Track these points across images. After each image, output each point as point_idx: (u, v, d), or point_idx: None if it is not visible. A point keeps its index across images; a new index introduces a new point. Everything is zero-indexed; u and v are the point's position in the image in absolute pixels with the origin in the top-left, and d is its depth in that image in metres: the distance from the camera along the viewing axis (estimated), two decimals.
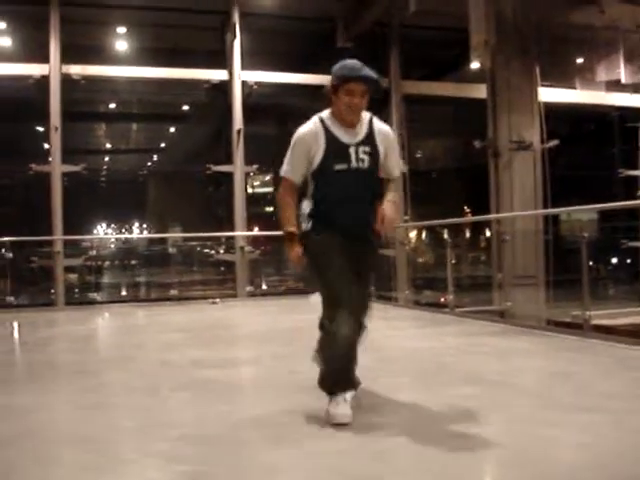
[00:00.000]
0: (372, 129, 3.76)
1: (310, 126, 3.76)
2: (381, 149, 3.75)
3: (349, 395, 3.65)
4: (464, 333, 7.37)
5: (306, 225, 3.76)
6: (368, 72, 3.68)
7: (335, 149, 3.68)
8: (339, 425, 3.48)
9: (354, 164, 3.67)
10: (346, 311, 3.58)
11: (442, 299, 11.10)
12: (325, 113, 3.80)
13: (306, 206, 3.79)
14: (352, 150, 3.67)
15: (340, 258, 3.64)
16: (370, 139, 3.73)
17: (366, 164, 3.69)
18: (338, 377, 3.67)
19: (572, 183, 15.39)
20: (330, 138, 3.69)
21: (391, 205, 3.69)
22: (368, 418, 3.63)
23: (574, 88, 15.36)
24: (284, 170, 3.80)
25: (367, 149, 3.70)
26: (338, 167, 3.66)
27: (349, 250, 3.67)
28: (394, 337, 6.96)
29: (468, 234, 17.66)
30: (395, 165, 3.91)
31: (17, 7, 13.41)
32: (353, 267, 3.68)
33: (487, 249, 15.49)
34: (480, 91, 13.74)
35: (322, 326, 3.72)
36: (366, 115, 3.79)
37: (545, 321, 9.79)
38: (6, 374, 5.61)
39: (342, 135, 3.70)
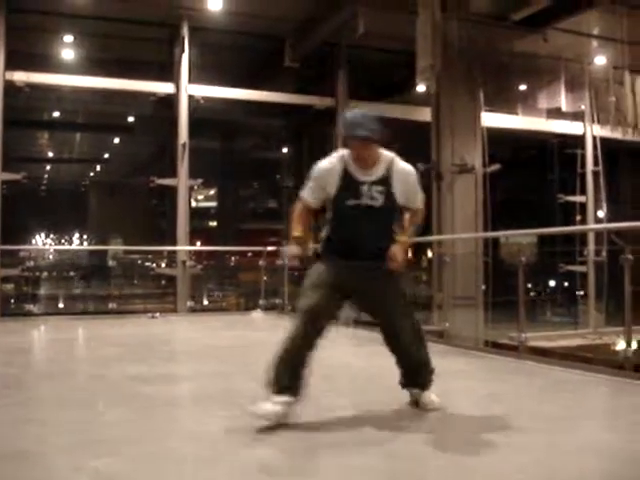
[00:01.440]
0: (391, 169, 4.01)
1: (330, 160, 4.08)
2: (398, 188, 4.00)
3: (281, 398, 3.82)
4: None
5: (320, 247, 4.14)
6: (363, 129, 3.91)
7: (348, 185, 3.96)
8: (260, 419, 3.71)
9: (365, 201, 3.94)
10: (304, 317, 3.91)
11: None
12: (347, 150, 4.05)
13: (324, 230, 4.15)
14: (365, 188, 3.95)
15: (329, 289, 3.96)
16: (386, 179, 3.99)
17: (379, 202, 3.96)
18: (274, 375, 3.86)
19: (512, 207, 15.70)
20: (346, 174, 3.98)
21: (399, 247, 4.05)
22: (316, 434, 3.64)
23: (516, 114, 15.70)
24: (303, 191, 4.14)
25: (381, 188, 3.97)
26: (350, 202, 3.95)
27: (351, 283, 4.03)
28: (331, 355, 6.98)
29: (410, 254, 17.83)
30: (414, 199, 4.19)
31: None
32: (364, 300, 4.26)
33: (428, 269, 15.66)
34: (425, 114, 13.94)
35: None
36: (388, 155, 4.05)
37: (483, 342, 9.95)
38: None
39: (358, 173, 3.98)
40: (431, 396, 4.27)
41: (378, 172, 3.98)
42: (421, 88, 13.18)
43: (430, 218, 12.68)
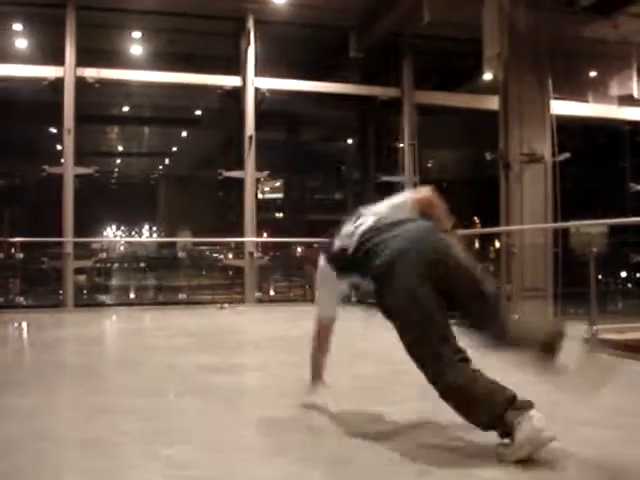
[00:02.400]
0: None
1: None
2: None
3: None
4: (469, 346, 7.36)
5: None
6: None
7: None
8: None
9: None
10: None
11: None
12: None
13: None
14: None
15: None
16: None
17: None
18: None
19: (582, 196, 15.38)
20: None
21: None
22: (370, 425, 3.65)
23: (586, 102, 15.35)
24: None
25: None
26: None
27: None
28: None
29: (477, 245, 17.65)
30: None
31: (34, 9, 13.52)
32: None
33: (496, 260, 15.47)
34: (492, 102, 13.74)
35: None
36: None
37: None
38: (14, 375, 5.65)
39: None
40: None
41: None
42: (488, 76, 12.99)
43: (498, 207, 12.53)
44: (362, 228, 3.70)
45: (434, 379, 3.39)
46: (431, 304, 3.38)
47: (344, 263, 3.77)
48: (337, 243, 3.82)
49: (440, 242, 3.54)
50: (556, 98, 13.12)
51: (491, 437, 3.24)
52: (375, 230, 3.64)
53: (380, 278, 3.48)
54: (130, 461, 3.19)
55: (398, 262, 3.41)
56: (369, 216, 3.77)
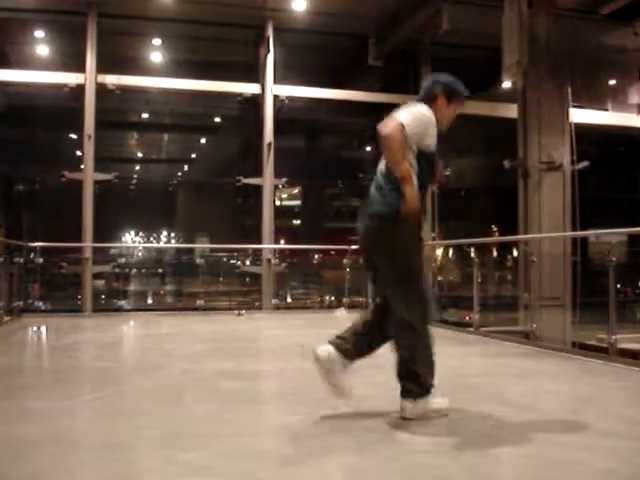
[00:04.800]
0: None
1: (429, 111, 4.05)
2: None
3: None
4: (488, 354, 7.35)
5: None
6: None
7: (436, 140, 4.04)
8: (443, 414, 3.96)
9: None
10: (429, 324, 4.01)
11: (467, 318, 11.07)
12: (429, 110, 4.05)
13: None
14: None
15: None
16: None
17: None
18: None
19: (602, 205, 15.30)
20: (437, 130, 4.05)
21: None
22: (391, 434, 3.65)
23: (606, 110, 15.29)
24: (406, 122, 3.84)
25: None
26: (433, 150, 4.01)
27: None
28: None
29: (495, 253, 17.60)
30: None
31: (56, 17, 13.69)
32: None
33: (514, 269, 15.42)
34: (511, 110, 13.71)
35: (409, 325, 3.91)
36: None
37: (570, 344, 9.74)
38: (33, 379, 5.69)
39: (440, 127, 4.11)
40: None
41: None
42: (507, 84, 12.99)
43: (516, 216, 12.49)
44: None
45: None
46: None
47: None
48: None
49: (368, 230, 4.06)
50: (575, 106, 13.09)
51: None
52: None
53: None
54: (147, 465, 3.20)
55: None
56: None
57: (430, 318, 4.02)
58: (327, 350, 3.97)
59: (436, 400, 3.97)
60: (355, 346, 4.03)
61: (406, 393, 3.93)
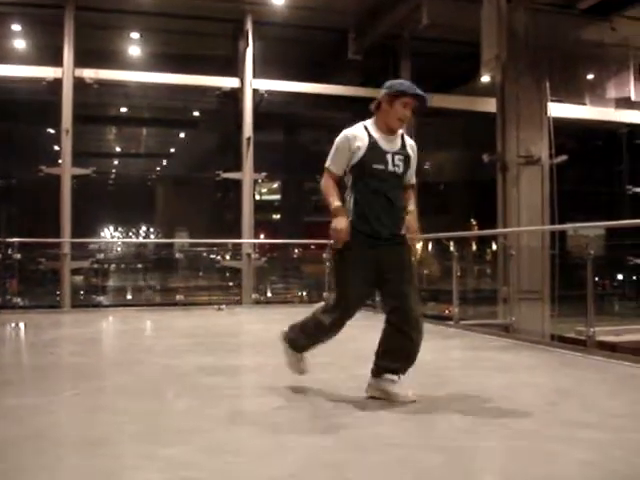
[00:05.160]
0: (404, 141, 4.38)
1: (355, 127, 4.33)
2: (412, 159, 4.37)
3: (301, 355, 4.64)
4: (468, 347, 7.39)
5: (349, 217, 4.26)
6: (421, 92, 4.30)
7: (375, 152, 4.22)
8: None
9: (390, 167, 4.23)
10: (341, 313, 4.30)
11: (446, 311, 11.12)
12: (368, 122, 4.36)
13: (349, 199, 4.31)
14: (389, 156, 4.24)
15: (364, 271, 4.21)
16: (404, 149, 4.33)
17: (400, 169, 4.27)
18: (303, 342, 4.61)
19: (580, 199, 15.41)
20: (372, 142, 4.23)
21: (414, 216, 4.37)
22: (371, 427, 3.66)
23: (584, 104, 15.38)
24: (328, 163, 4.34)
25: (402, 157, 4.29)
26: (376, 166, 4.20)
27: (376, 254, 4.20)
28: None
29: (474, 247, 17.67)
30: (414, 173, 4.49)
31: (33, 10, 13.56)
32: (380, 270, 4.23)
33: (493, 262, 15.50)
34: (490, 105, 13.78)
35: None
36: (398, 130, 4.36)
37: (549, 336, 9.82)
38: (12, 375, 5.65)
39: (382, 142, 4.26)
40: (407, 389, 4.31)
41: (397, 143, 4.32)
42: (486, 79, 13.04)
43: (495, 209, 12.56)
44: None
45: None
46: None
47: None
48: None
49: None
50: (553, 100, 13.16)
51: None
52: None
53: None
54: (128, 461, 3.19)
55: None
56: None
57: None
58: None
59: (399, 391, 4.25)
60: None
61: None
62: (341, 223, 4.16)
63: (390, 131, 4.30)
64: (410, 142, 4.44)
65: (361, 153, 4.19)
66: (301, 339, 4.58)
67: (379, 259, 4.20)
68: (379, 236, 4.20)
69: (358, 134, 4.25)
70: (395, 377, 4.24)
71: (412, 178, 4.45)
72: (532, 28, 12.21)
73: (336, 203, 4.23)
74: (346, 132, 4.30)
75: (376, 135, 4.26)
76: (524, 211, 12.22)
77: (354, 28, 14.70)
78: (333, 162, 4.31)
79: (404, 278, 4.24)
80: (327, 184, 4.33)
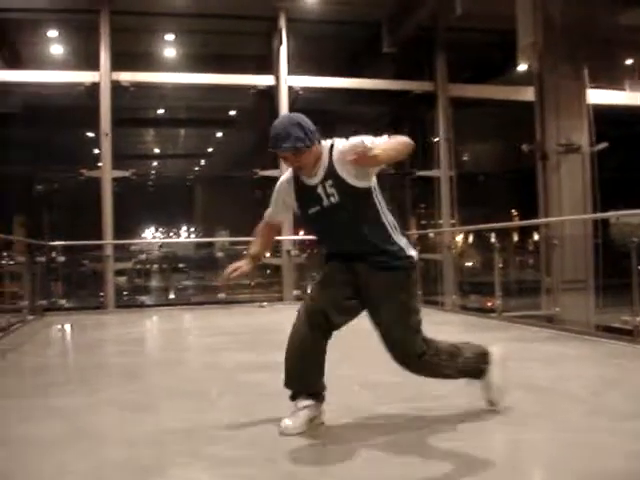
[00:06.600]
0: (332, 159, 3.59)
1: (286, 174, 3.86)
2: (344, 173, 3.54)
3: (301, 403, 3.72)
4: (512, 339, 7.32)
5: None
6: (288, 142, 3.55)
7: (304, 193, 3.68)
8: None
9: (326, 202, 3.59)
10: (303, 316, 4.13)
11: (489, 304, 11.02)
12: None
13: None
14: (320, 189, 3.59)
15: (332, 288, 3.88)
16: (333, 171, 3.57)
17: (337, 197, 3.57)
18: (287, 375, 3.87)
19: (621, 186, 15.15)
20: (299, 184, 3.70)
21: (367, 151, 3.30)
22: (415, 422, 3.65)
23: (623, 90, 15.13)
24: (266, 211, 4.01)
25: (331, 182, 3.57)
26: (312, 210, 3.65)
27: (350, 283, 3.76)
28: None
29: (516, 238, 17.49)
30: (365, 161, 3.38)
31: (69, 16, 13.76)
32: (362, 301, 3.82)
33: (535, 253, 15.33)
34: (528, 94, 13.61)
35: None
36: (325, 147, 3.65)
37: (594, 326, 9.68)
38: (58, 376, 5.74)
39: (308, 179, 3.64)
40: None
41: (321, 170, 3.59)
42: (523, 67, 12.89)
43: (536, 199, 12.41)
44: None
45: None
46: None
47: None
48: None
49: None
50: (592, 87, 12.95)
51: None
52: None
53: None
54: (174, 459, 3.21)
55: None
56: None
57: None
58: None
59: None
60: None
61: None
62: (233, 267, 3.88)
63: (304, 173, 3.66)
64: (339, 151, 3.57)
65: (294, 200, 3.77)
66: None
67: None
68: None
69: (285, 179, 3.83)
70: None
71: (366, 176, 3.57)
72: (568, 14, 12.02)
73: (250, 249, 4.04)
74: (279, 181, 3.92)
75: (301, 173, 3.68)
76: (565, 200, 12.05)
77: (388, 21, 14.62)
78: (269, 210, 4.03)
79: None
80: (256, 229, 4.12)
